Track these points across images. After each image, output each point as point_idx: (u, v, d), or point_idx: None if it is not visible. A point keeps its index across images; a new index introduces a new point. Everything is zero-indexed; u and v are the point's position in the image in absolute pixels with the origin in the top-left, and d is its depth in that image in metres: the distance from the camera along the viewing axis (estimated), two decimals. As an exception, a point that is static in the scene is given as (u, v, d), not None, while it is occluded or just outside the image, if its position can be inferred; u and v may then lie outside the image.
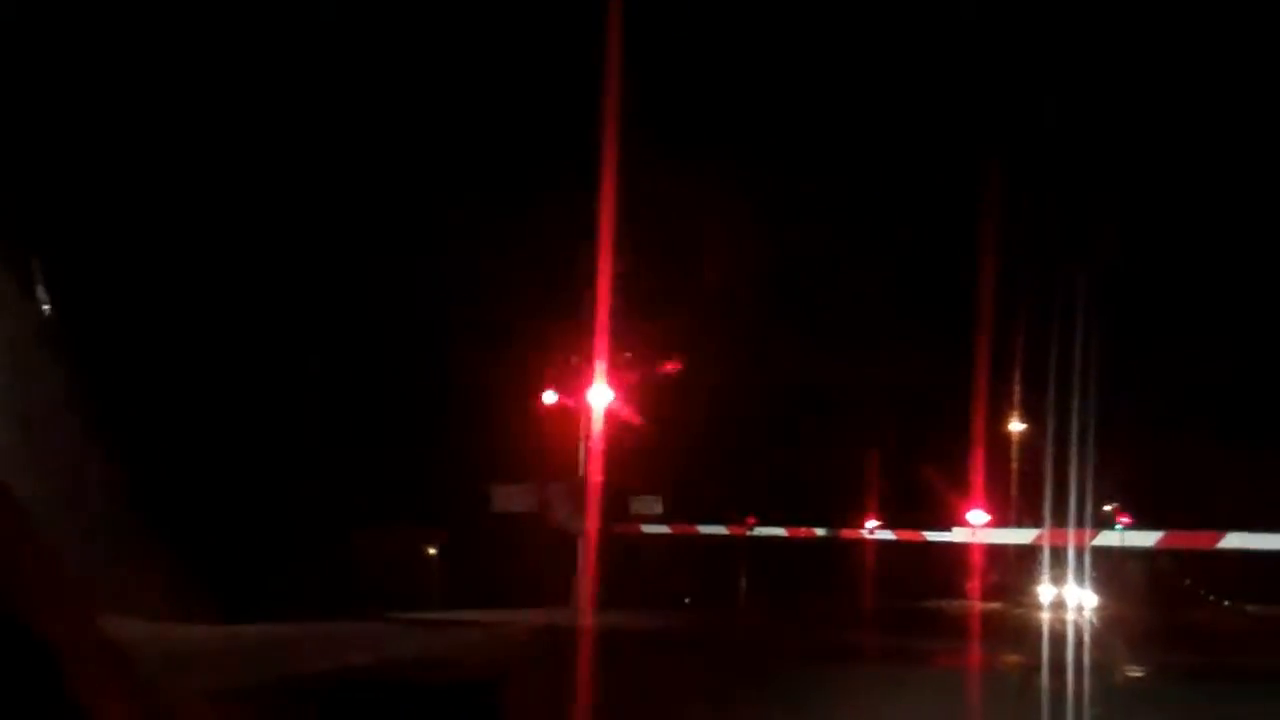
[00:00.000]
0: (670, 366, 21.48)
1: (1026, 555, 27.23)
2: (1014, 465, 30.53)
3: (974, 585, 28.79)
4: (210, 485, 15.03)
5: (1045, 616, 22.77)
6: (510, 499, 21.25)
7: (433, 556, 23.21)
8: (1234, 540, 17.47)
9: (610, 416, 21.19)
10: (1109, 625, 21.77)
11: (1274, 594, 30.41)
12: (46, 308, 6.85)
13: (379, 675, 9.95)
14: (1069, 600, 24.58)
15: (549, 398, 20.51)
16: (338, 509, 18.57)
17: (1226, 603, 39.12)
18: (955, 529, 19.24)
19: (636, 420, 21.38)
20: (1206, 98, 22.05)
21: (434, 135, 19.87)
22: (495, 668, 11.51)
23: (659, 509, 21.76)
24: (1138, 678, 13.37)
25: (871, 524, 20.74)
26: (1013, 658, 14.63)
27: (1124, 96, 21.50)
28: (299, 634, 12.94)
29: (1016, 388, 28.78)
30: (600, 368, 21.11)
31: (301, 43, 17.11)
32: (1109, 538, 18.40)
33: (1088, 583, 25.29)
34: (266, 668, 9.59)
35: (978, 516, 19.06)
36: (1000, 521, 21.37)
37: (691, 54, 20.69)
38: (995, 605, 28.15)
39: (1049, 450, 18.06)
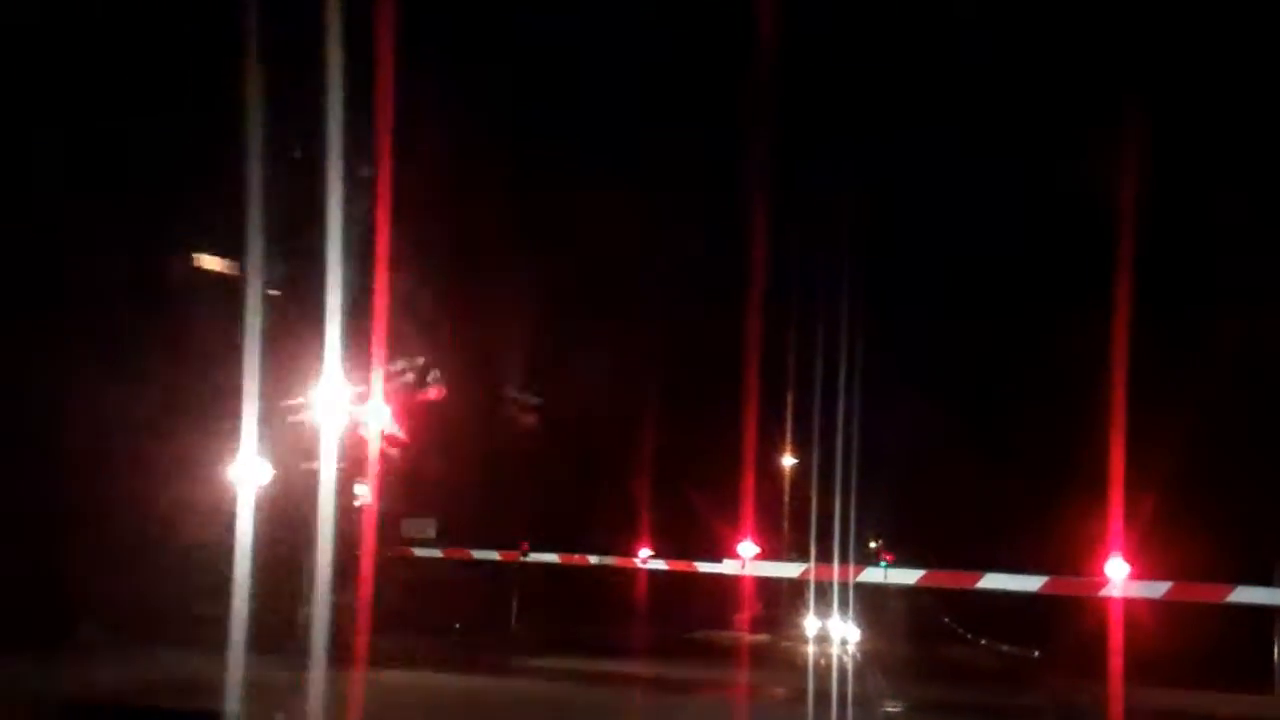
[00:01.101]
0: (435, 394, 21.24)
1: (794, 589, 27.66)
2: (785, 499, 31.14)
3: (743, 617, 29.11)
4: None
5: (810, 649, 23.15)
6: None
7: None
8: (991, 580, 18.03)
9: (381, 435, 20.64)
10: (870, 659, 22.25)
11: (1026, 633, 31.62)
12: None
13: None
14: (833, 634, 25.08)
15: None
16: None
17: (983, 641, 40.49)
18: (726, 561, 19.36)
19: (410, 440, 20.93)
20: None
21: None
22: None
23: (432, 532, 21.33)
24: (895, 711, 13.63)
25: (644, 553, 20.69)
26: (778, 689, 14.75)
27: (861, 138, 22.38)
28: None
29: (789, 423, 29.44)
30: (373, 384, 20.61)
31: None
32: (873, 574, 18.82)
33: (851, 617, 25.88)
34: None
35: (748, 549, 19.22)
36: (770, 554, 21.65)
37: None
38: (763, 637, 28.54)
39: (816, 486, 18.44)
